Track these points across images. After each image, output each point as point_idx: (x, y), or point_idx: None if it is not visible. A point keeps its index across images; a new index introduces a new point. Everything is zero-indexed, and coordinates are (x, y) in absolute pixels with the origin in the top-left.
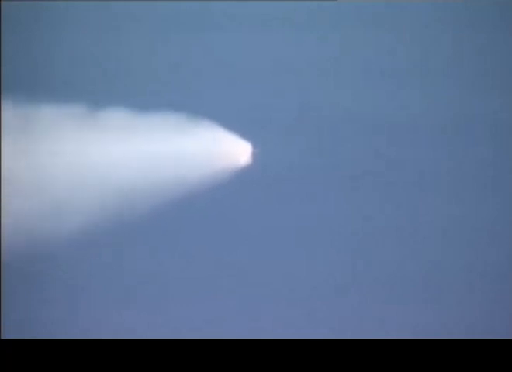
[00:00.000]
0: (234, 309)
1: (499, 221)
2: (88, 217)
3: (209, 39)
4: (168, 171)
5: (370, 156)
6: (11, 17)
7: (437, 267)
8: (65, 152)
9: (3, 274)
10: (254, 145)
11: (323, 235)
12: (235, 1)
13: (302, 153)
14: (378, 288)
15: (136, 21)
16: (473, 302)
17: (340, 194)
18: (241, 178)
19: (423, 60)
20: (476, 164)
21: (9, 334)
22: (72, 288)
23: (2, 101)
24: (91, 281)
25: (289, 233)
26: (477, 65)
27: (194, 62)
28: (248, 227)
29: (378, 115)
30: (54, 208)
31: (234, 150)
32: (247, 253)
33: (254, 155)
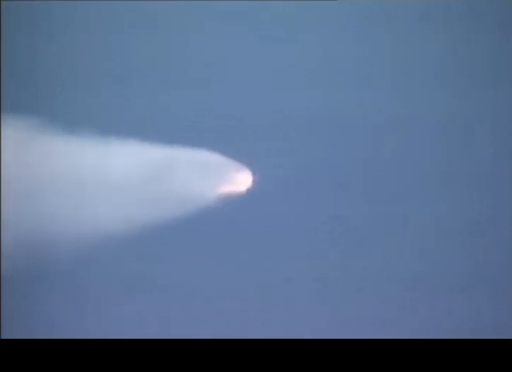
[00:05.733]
0: (235, 310)
1: (499, 220)
2: (89, 222)
3: (209, 43)
4: (167, 194)
5: (370, 156)
6: (11, 17)
7: (438, 267)
8: (67, 152)
9: (3, 274)
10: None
11: (323, 236)
12: (238, 1)
13: (302, 153)
14: (378, 288)
15: (140, 22)
16: (473, 302)
17: (340, 198)
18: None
19: (423, 59)
20: (476, 164)
21: (9, 334)
22: (72, 288)
23: (2, 102)
24: (91, 281)
25: (288, 234)
26: (478, 64)
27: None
28: (249, 245)
29: (377, 115)
30: (55, 210)
31: (233, 172)
32: (248, 257)
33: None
